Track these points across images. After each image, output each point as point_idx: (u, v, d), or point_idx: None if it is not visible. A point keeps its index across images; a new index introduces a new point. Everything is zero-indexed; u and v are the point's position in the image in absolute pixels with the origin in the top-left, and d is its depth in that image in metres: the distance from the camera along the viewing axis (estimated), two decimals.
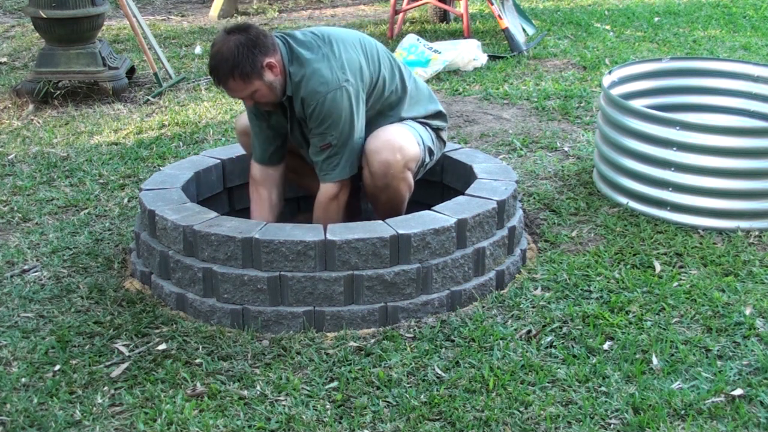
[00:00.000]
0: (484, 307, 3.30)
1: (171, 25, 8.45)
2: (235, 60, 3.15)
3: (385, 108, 3.45)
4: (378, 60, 3.42)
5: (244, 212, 3.90)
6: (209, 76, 3.31)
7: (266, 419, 2.70)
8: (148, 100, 5.91)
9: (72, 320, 3.24)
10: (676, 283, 3.43)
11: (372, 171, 3.35)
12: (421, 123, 3.54)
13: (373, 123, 3.42)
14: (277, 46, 3.26)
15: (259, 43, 3.20)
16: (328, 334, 3.14)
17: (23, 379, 2.91)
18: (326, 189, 3.39)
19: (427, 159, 3.54)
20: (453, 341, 3.09)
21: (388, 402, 2.78)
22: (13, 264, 3.68)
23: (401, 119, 3.48)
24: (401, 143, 3.35)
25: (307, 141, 3.44)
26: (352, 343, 3.08)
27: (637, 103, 4.26)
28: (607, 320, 3.18)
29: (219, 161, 3.83)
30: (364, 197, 3.71)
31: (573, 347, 3.04)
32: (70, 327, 3.19)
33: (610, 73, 4.42)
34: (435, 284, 3.24)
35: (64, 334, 3.14)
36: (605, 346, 3.04)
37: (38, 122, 5.53)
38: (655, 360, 2.96)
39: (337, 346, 3.06)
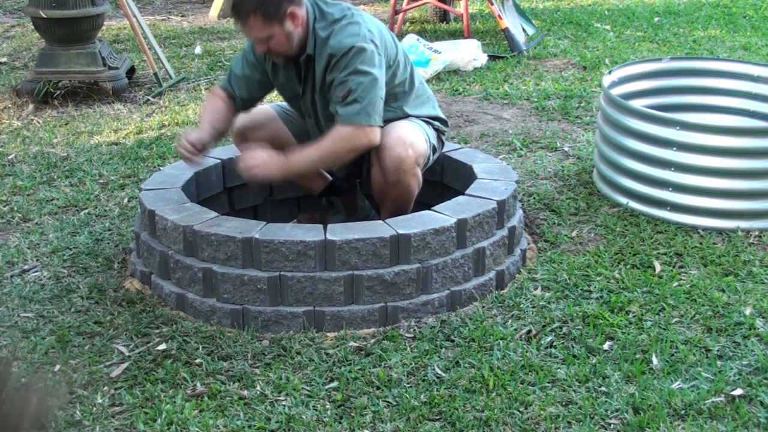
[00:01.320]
0: (484, 307, 3.30)
1: (171, 25, 8.45)
2: None
3: (390, 98, 3.43)
4: (396, 45, 3.46)
5: (245, 212, 3.91)
6: (231, 16, 3.31)
7: (266, 419, 2.70)
8: (148, 100, 5.91)
9: (72, 320, 3.24)
10: (676, 283, 3.43)
11: (384, 167, 3.35)
12: (424, 121, 3.55)
13: None
14: (303, 1, 3.28)
15: None
16: (328, 334, 3.14)
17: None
18: (340, 128, 3.27)
19: (431, 156, 3.56)
20: (453, 341, 3.09)
21: (388, 402, 2.77)
22: (13, 264, 3.68)
23: (406, 116, 3.49)
24: (412, 139, 3.37)
25: (315, 109, 3.45)
26: (352, 343, 3.08)
27: (637, 103, 4.26)
28: (607, 320, 3.18)
29: (219, 161, 3.83)
30: (361, 195, 3.71)
31: (573, 347, 3.03)
32: (70, 327, 3.19)
33: (610, 73, 4.42)
34: (435, 284, 3.24)
35: (64, 334, 3.14)
36: (605, 346, 3.04)
37: (38, 122, 5.52)
38: (655, 360, 2.96)
39: (337, 346, 3.06)
